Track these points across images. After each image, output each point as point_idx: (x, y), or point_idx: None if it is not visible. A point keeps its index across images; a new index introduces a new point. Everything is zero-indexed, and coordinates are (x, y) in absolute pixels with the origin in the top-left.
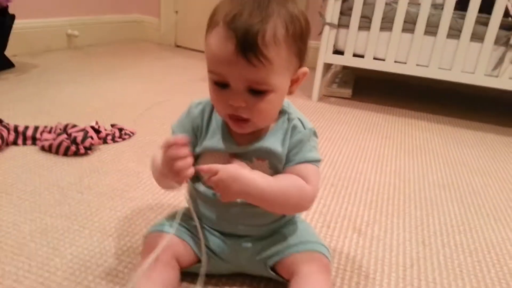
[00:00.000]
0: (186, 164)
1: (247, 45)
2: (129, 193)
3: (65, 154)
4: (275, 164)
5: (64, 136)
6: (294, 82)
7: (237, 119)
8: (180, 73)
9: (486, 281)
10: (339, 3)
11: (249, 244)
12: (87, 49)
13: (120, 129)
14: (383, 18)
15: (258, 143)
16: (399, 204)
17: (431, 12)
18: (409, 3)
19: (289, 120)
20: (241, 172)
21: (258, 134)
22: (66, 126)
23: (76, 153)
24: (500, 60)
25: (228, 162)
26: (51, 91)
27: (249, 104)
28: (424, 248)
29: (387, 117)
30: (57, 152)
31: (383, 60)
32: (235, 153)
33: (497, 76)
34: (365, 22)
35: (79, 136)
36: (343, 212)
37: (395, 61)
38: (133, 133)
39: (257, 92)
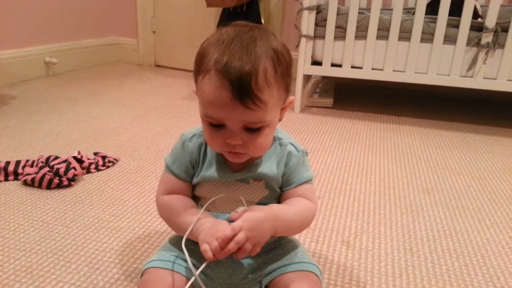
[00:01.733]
0: (229, 252)
1: (243, 92)
2: (115, 223)
3: (49, 187)
4: (271, 185)
5: (47, 169)
6: (282, 110)
7: (234, 152)
8: (162, 93)
9: (474, 285)
10: (314, 15)
11: (247, 260)
12: (66, 75)
13: (104, 157)
14: (357, 27)
15: (254, 170)
16: (386, 213)
17: (404, 17)
18: (381, 10)
19: (281, 145)
20: (262, 215)
21: (253, 160)
22: (48, 159)
23: (60, 185)
24: (474, 61)
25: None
26: (31, 122)
27: (246, 141)
28: (412, 255)
29: (368, 124)
30: (40, 186)
31: (361, 68)
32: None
33: (472, 77)
34: (340, 32)
35: (62, 168)
36: (330, 225)
37: (373, 68)
38: (117, 160)
39: (253, 129)
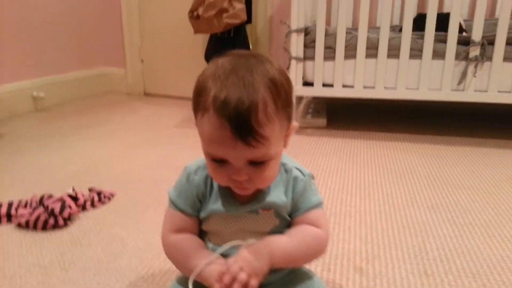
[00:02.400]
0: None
1: (243, 130)
2: (115, 263)
3: (44, 228)
4: (280, 213)
5: (41, 209)
6: (286, 137)
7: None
8: (153, 123)
9: None
10: (302, 37)
11: None
12: (55, 109)
13: (99, 193)
14: (346, 47)
15: (263, 200)
16: (394, 234)
17: (391, 35)
18: (368, 30)
19: (286, 171)
20: (256, 248)
21: (260, 189)
22: (42, 198)
23: (55, 226)
24: (464, 74)
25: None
26: (21, 160)
27: (252, 176)
28: (428, 278)
29: (364, 142)
30: (35, 228)
31: (352, 87)
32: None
33: (463, 90)
34: (330, 52)
35: (57, 207)
36: (340, 251)
37: (364, 87)
38: (112, 195)
39: (258, 162)
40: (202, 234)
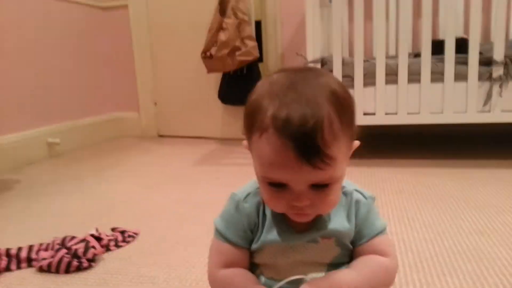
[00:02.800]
0: None
1: (309, 151)
2: None
3: (67, 271)
4: (342, 241)
5: (64, 251)
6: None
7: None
8: (170, 163)
9: None
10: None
11: None
12: (69, 154)
13: (122, 232)
14: (364, 75)
15: (324, 227)
16: (446, 261)
17: (410, 61)
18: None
19: (346, 194)
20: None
21: (320, 216)
22: (64, 240)
23: (80, 268)
24: (489, 95)
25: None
26: (38, 205)
27: (314, 201)
28: None
29: (392, 170)
30: (57, 271)
31: (374, 114)
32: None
33: (489, 111)
34: (348, 81)
35: (80, 248)
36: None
37: (386, 113)
38: (136, 234)
39: (321, 185)
40: (253, 268)
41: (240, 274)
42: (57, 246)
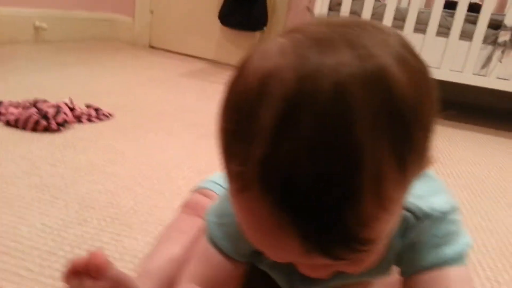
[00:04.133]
0: None
1: (329, 239)
2: (111, 169)
3: (34, 129)
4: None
5: (34, 110)
6: None
7: None
8: (157, 69)
9: None
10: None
11: None
12: (56, 44)
13: (97, 109)
14: (372, 15)
15: (354, 276)
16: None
17: (421, 9)
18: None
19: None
20: None
21: None
22: (36, 101)
23: (47, 129)
24: (488, 59)
25: None
26: (17, 76)
27: (339, 268)
28: None
29: None
30: (24, 128)
31: None
32: None
33: (485, 76)
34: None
35: (51, 111)
36: None
37: None
38: (111, 115)
39: None
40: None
41: None
42: (28, 105)
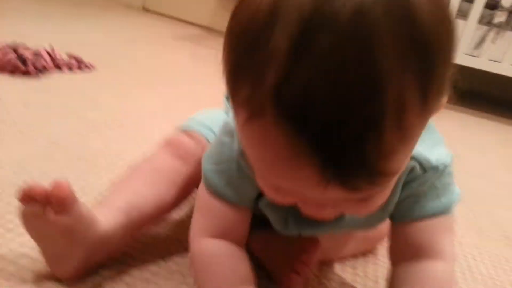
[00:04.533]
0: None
1: (350, 172)
2: (85, 113)
3: (12, 73)
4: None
5: (14, 55)
6: None
7: None
8: (149, 31)
9: None
10: None
11: None
12: None
13: (78, 60)
14: None
15: (354, 220)
16: None
17: None
18: None
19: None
20: None
21: None
22: (16, 47)
23: (25, 74)
24: (482, 39)
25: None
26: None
27: (346, 211)
28: None
29: None
30: (2, 71)
31: None
32: None
33: (477, 56)
34: None
35: (31, 57)
36: None
37: None
38: (92, 66)
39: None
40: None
41: (228, 260)
42: (7, 50)
